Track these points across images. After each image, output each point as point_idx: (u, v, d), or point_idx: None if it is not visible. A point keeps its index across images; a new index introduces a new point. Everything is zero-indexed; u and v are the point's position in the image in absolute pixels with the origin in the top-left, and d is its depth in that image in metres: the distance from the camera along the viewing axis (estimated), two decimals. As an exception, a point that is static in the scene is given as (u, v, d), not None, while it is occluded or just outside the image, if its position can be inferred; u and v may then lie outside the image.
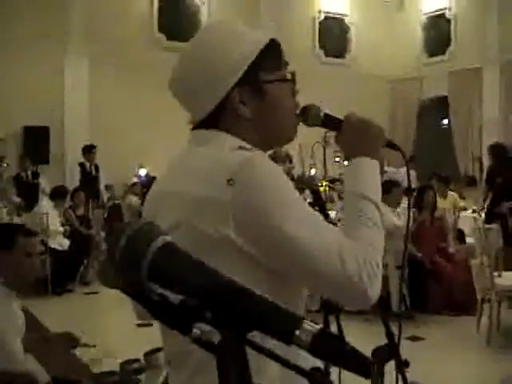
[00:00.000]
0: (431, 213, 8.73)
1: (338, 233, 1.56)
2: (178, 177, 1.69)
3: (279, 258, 1.52)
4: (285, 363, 0.91)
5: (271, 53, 1.74)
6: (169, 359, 1.73)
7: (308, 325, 0.89)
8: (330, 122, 1.84)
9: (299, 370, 0.91)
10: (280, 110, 1.75)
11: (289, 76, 1.79)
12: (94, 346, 3.91)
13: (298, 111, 1.81)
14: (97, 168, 12.56)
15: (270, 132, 1.75)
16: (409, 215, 1.96)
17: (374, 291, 1.51)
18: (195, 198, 1.56)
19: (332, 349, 0.87)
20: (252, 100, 1.70)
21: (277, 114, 1.74)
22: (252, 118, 1.70)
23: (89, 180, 12.22)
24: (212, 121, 1.70)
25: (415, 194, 9.11)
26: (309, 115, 1.82)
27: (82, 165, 12.25)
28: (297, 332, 0.89)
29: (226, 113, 1.69)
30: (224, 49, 1.68)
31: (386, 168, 13.18)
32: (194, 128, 1.76)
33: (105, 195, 13.20)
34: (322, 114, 1.83)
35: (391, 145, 1.84)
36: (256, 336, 0.93)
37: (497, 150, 10.52)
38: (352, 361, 0.87)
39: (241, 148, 1.61)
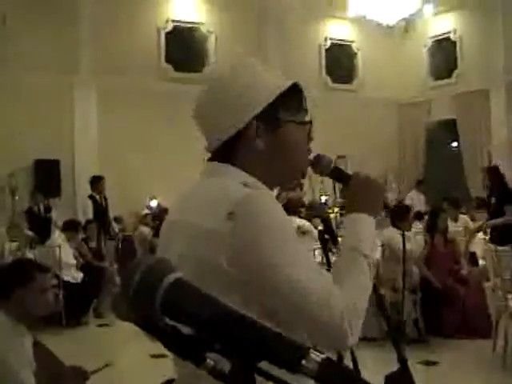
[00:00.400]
0: (443, 236, 8.71)
1: (328, 278, 1.62)
2: (185, 207, 1.78)
3: (269, 294, 1.58)
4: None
5: (292, 96, 1.82)
6: None
7: (314, 354, 0.91)
8: (338, 175, 1.93)
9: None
10: (291, 150, 1.82)
11: (306, 119, 1.86)
12: (107, 366, 3.91)
13: (310, 157, 1.89)
14: (105, 199, 12.54)
15: (279, 169, 1.82)
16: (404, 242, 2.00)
17: (354, 338, 1.58)
18: (196, 229, 1.64)
19: (338, 378, 0.89)
20: (267, 135, 1.77)
21: (288, 153, 1.81)
22: (264, 152, 1.77)
23: (99, 212, 12.20)
24: (226, 151, 1.78)
25: (427, 217, 9.12)
26: (320, 165, 1.91)
27: (92, 197, 12.17)
28: (303, 361, 0.91)
29: (240, 144, 1.76)
30: (249, 83, 1.77)
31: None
32: (209, 159, 1.83)
33: (116, 227, 13.21)
34: (332, 166, 1.92)
35: (385, 204, 1.93)
36: (265, 365, 0.95)
37: (491, 172, 10.74)
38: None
39: (245, 185, 1.68)
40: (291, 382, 0.94)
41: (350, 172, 1.91)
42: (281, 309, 1.59)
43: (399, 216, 8.37)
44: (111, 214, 12.83)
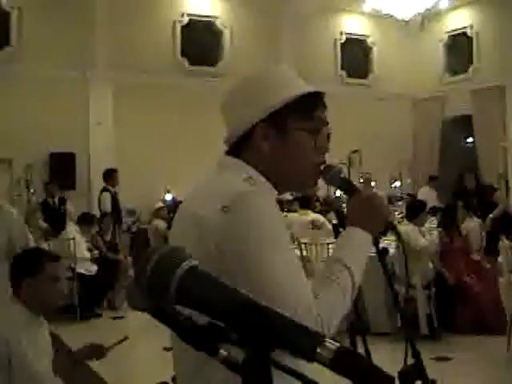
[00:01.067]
0: (458, 231, 8.69)
1: (307, 286, 1.65)
2: (193, 197, 1.87)
3: (247, 286, 1.58)
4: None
5: (308, 103, 1.87)
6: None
7: (329, 342, 0.91)
8: (346, 187, 1.96)
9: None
10: (298, 157, 1.87)
11: (317, 127, 1.88)
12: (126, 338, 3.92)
13: (322, 166, 1.92)
14: (116, 192, 12.53)
15: (284, 175, 1.88)
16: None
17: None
18: (196, 215, 1.72)
19: (353, 366, 0.89)
20: (274, 139, 1.84)
21: (293, 160, 1.87)
22: (269, 154, 1.84)
23: (114, 205, 12.23)
24: (238, 147, 1.88)
25: (441, 213, 9.11)
26: (329, 174, 1.94)
27: (109, 190, 12.16)
28: (318, 349, 0.91)
29: (249, 143, 1.86)
30: (266, 85, 1.87)
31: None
32: (226, 152, 1.93)
33: (129, 220, 13.26)
34: (341, 177, 1.96)
35: (391, 227, 1.96)
36: (281, 356, 0.95)
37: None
38: (373, 378, 0.89)
39: (247, 180, 1.77)
40: (303, 372, 0.94)
41: (357, 186, 1.95)
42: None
43: (414, 211, 8.37)
44: (125, 207, 12.87)
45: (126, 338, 3.88)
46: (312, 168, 1.90)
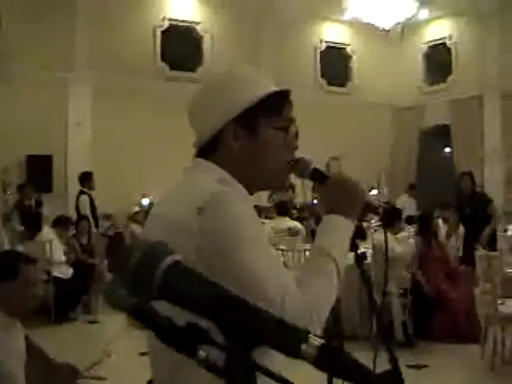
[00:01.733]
0: (436, 240, 8.73)
1: (290, 279, 1.66)
2: (164, 202, 1.87)
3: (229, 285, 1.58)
4: None
5: (276, 102, 1.88)
6: None
7: (313, 339, 0.91)
8: (317, 177, 1.94)
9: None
10: (266, 155, 1.87)
11: (284, 124, 1.89)
12: (104, 379, 3.83)
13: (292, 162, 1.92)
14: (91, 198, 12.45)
15: (255, 173, 1.87)
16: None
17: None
18: (169, 222, 1.71)
19: (337, 362, 0.88)
20: (244, 139, 1.84)
21: (264, 158, 1.87)
22: (240, 154, 1.84)
23: (91, 208, 12.16)
24: (208, 149, 1.87)
25: (419, 221, 9.14)
26: (298, 168, 1.93)
27: (84, 193, 12.06)
28: (303, 346, 0.90)
29: (219, 144, 1.85)
30: (233, 86, 1.87)
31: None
32: (195, 155, 1.92)
33: (105, 223, 13.19)
34: (310, 168, 1.93)
35: (370, 207, 1.92)
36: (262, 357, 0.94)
37: (467, 178, 10.80)
38: (357, 374, 0.89)
39: (219, 181, 1.75)
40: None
41: (327, 173, 1.94)
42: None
43: (390, 219, 8.39)
44: (100, 211, 12.78)
45: (109, 355, 3.79)
46: (283, 165, 1.90)
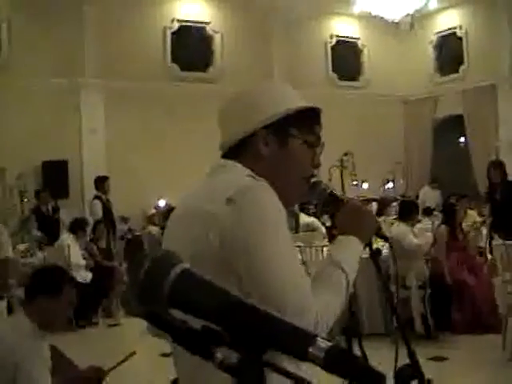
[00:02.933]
0: (460, 229, 8.69)
1: (308, 283, 1.70)
2: (189, 201, 1.90)
3: (250, 282, 1.66)
4: None
5: (309, 117, 1.96)
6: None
7: (321, 342, 0.92)
8: (333, 200, 2.02)
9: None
10: (293, 167, 1.94)
11: (315, 143, 1.97)
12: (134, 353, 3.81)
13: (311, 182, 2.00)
14: (109, 201, 12.50)
15: (276, 182, 1.86)
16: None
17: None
18: (196, 211, 1.77)
19: (345, 364, 0.89)
20: (274, 146, 1.90)
21: (288, 168, 1.93)
22: (267, 160, 1.90)
23: (107, 212, 12.21)
24: (236, 151, 1.92)
25: (444, 211, 9.09)
26: (316, 191, 2.01)
27: (99, 197, 12.13)
28: (310, 349, 0.91)
29: (248, 147, 1.90)
30: (273, 94, 1.96)
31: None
32: (222, 156, 1.97)
33: (123, 227, 13.23)
34: (327, 192, 2.02)
35: (381, 235, 2.05)
36: (275, 358, 0.96)
37: (496, 167, 10.62)
38: (365, 375, 0.89)
39: (250, 176, 1.79)
40: (298, 373, 0.95)
41: (343, 198, 2.03)
42: (255, 295, 1.63)
43: (406, 212, 8.39)
44: (117, 214, 12.82)
45: (133, 353, 3.81)
46: (304, 180, 1.97)
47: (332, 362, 0.90)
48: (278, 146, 1.90)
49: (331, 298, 1.73)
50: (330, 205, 2.02)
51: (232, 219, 1.66)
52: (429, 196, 14.30)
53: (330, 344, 0.91)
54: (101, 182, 12.14)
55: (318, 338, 0.92)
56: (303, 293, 1.65)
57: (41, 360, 3.25)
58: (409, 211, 8.46)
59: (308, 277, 1.74)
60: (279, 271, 1.65)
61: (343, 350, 0.91)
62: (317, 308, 1.64)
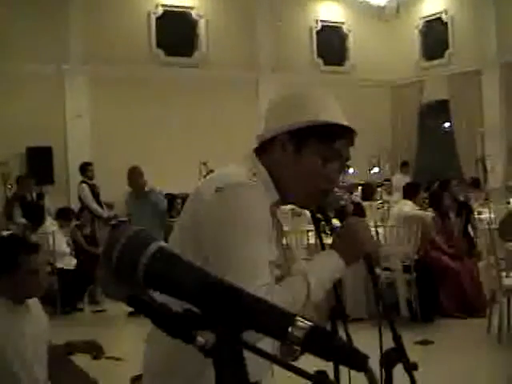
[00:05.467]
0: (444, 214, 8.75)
1: (266, 279, 1.79)
2: (205, 181, 2.11)
3: (213, 264, 1.76)
4: (286, 365, 0.92)
5: (332, 132, 1.98)
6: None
7: (301, 322, 0.90)
8: (341, 215, 2.06)
9: (302, 373, 0.92)
10: (303, 178, 1.99)
11: (330, 157, 1.99)
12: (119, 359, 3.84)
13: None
14: (95, 186, 12.52)
15: (289, 188, 2.00)
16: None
17: None
18: (196, 193, 1.97)
19: (325, 344, 0.88)
20: (289, 153, 1.97)
21: (298, 178, 1.99)
22: (280, 165, 1.98)
23: (94, 197, 12.19)
24: (264, 147, 2.03)
25: (430, 196, 9.22)
26: (329, 200, 2.06)
27: (85, 183, 12.14)
28: (290, 329, 0.90)
29: (268, 148, 2.01)
30: (308, 101, 2.02)
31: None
32: (255, 149, 2.08)
33: (109, 213, 13.15)
34: (339, 205, 2.06)
35: (374, 259, 2.11)
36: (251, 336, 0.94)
37: None
38: (346, 355, 0.88)
39: (252, 174, 1.91)
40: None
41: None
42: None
43: (413, 191, 8.92)
44: (103, 201, 12.79)
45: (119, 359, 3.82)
46: (316, 192, 2.01)
47: (312, 342, 0.88)
48: (293, 153, 1.96)
49: (286, 298, 1.77)
50: (337, 217, 2.07)
51: (213, 205, 1.82)
52: (401, 181, 14.29)
53: (310, 324, 0.89)
54: (85, 168, 12.17)
55: (298, 318, 0.90)
56: (257, 285, 1.72)
57: (22, 336, 3.23)
58: (415, 191, 8.92)
59: (271, 277, 1.83)
60: (240, 262, 1.76)
61: (324, 329, 0.89)
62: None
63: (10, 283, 3.26)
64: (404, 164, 16.06)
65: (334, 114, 2.00)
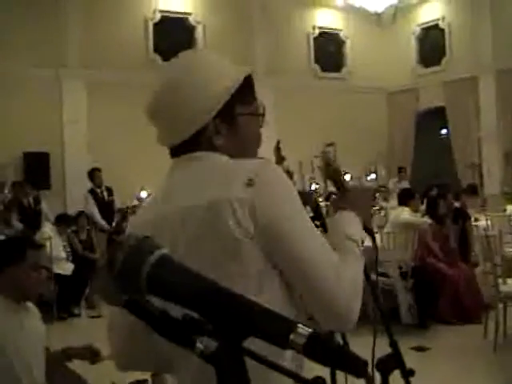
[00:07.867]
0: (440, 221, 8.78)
1: (337, 257, 1.67)
2: (176, 198, 1.78)
3: (283, 252, 1.63)
4: (286, 372, 0.93)
5: (247, 87, 1.84)
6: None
7: (302, 328, 0.91)
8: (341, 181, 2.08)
9: (301, 380, 0.93)
10: (249, 141, 1.87)
11: (260, 110, 1.90)
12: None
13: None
14: (109, 191, 12.52)
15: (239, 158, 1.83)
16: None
17: (356, 312, 1.66)
18: (212, 203, 1.64)
19: (326, 351, 0.89)
20: (226, 130, 1.80)
21: (245, 144, 1.85)
22: (224, 146, 1.79)
23: (103, 205, 12.18)
24: (188, 146, 1.81)
25: (426, 203, 9.26)
26: (330, 168, 2.11)
27: (92, 191, 12.16)
28: (291, 336, 0.90)
29: (201, 140, 1.79)
30: (206, 81, 1.78)
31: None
32: (173, 154, 1.92)
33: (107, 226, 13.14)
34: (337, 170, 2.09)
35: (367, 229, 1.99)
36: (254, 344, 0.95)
37: None
38: (346, 362, 0.89)
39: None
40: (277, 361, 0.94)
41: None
42: (292, 275, 1.65)
43: (406, 198, 9.12)
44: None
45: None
46: (259, 146, 1.93)
47: (313, 348, 0.89)
48: (230, 130, 1.79)
49: (356, 267, 1.72)
50: (336, 184, 2.08)
51: (261, 194, 1.61)
52: (397, 187, 14.30)
53: (310, 330, 0.90)
54: (93, 174, 12.23)
55: (299, 325, 0.91)
56: (336, 265, 1.65)
57: (20, 332, 3.23)
58: (410, 197, 9.15)
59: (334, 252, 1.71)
60: (313, 247, 1.64)
61: (324, 336, 0.90)
62: (350, 277, 1.67)
63: (15, 277, 3.27)
64: (401, 170, 16.11)
65: (234, 70, 1.83)
